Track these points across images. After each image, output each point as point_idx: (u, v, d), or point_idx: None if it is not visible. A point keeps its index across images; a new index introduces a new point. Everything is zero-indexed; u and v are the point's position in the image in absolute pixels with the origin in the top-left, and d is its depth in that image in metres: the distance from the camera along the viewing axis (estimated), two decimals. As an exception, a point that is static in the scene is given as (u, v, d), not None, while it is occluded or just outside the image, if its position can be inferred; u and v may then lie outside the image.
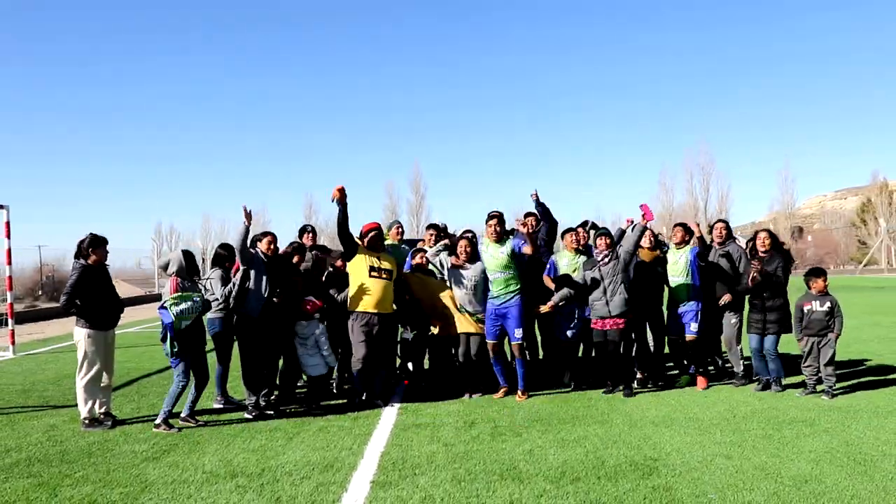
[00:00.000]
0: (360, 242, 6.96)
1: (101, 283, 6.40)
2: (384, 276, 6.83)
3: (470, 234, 7.58)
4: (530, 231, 7.31)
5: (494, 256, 7.02)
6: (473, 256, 7.29)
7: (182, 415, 6.32)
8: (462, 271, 7.25)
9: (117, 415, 6.73)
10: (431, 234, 8.11)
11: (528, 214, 8.14)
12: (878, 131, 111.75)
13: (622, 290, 7.05)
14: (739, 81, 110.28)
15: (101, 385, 6.44)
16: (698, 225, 7.70)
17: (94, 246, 6.38)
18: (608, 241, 7.19)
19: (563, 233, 7.96)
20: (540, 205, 7.77)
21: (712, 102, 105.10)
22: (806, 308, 6.91)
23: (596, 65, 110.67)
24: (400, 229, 8.40)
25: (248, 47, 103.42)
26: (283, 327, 6.86)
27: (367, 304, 6.75)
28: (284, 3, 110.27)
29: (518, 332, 7.01)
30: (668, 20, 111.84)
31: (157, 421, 6.19)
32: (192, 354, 6.40)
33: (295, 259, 7.13)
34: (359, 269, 6.81)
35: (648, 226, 7.37)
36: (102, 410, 6.45)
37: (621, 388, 7.22)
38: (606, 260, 7.12)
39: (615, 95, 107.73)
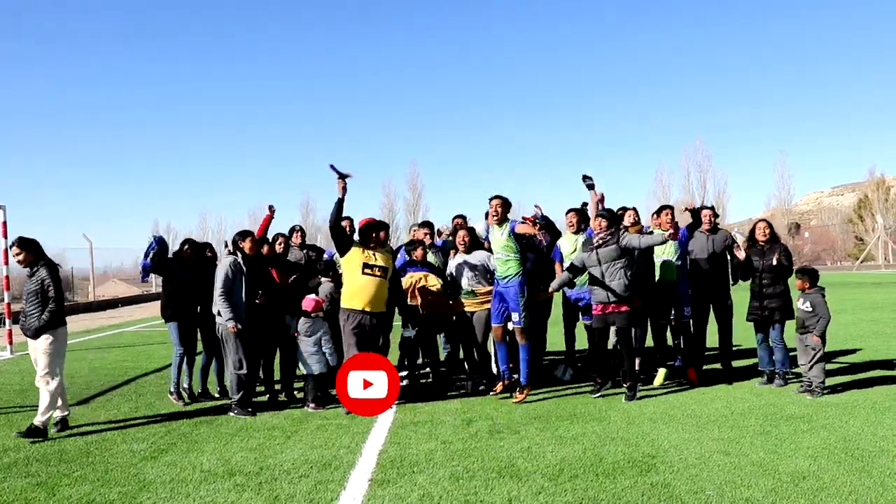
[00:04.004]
0: (358, 238, 6.87)
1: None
2: (378, 273, 6.65)
3: (461, 222, 7.81)
4: (533, 218, 7.34)
5: (496, 239, 7.01)
6: (473, 245, 7.39)
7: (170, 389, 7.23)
8: (466, 260, 7.33)
9: (116, 413, 6.80)
10: (426, 233, 8.13)
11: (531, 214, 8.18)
12: (875, 127, 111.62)
13: (622, 274, 6.70)
14: (736, 78, 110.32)
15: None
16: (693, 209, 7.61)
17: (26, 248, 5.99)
18: (606, 223, 6.79)
19: (566, 213, 8.04)
20: (543, 218, 7.71)
21: (709, 100, 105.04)
22: (796, 303, 6.98)
23: (592, 62, 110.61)
24: (428, 233, 8.15)
25: (245, 47, 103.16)
26: (271, 326, 6.91)
27: (358, 303, 6.59)
28: (282, 3, 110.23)
29: (515, 316, 6.89)
30: (664, 17, 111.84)
31: (171, 389, 7.24)
32: (185, 320, 7.15)
33: (265, 249, 7.14)
34: (352, 265, 6.65)
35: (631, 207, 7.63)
36: (62, 416, 6.16)
37: (625, 386, 6.85)
38: (602, 243, 6.77)
39: (612, 93, 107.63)
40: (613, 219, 6.98)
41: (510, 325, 7.04)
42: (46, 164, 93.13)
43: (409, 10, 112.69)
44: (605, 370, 7.12)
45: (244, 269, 6.65)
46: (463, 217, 8.17)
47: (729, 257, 7.73)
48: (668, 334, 7.82)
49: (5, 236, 12.01)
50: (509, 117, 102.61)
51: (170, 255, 7.39)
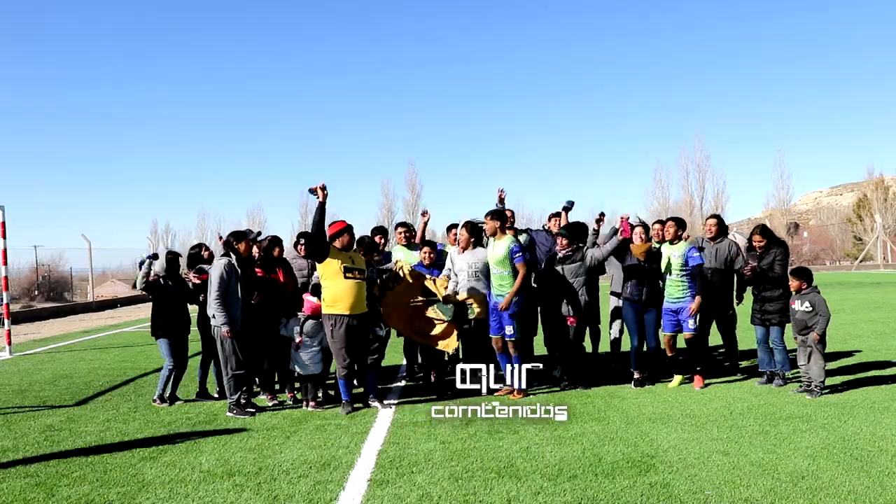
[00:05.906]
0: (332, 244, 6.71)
1: None
2: (358, 275, 6.62)
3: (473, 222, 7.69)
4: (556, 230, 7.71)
5: (493, 252, 7.07)
6: (477, 243, 7.34)
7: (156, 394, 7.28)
8: (463, 258, 7.31)
9: (115, 413, 6.78)
10: (401, 233, 8.11)
11: (553, 215, 8.21)
12: (874, 127, 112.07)
13: (583, 291, 7.14)
14: (734, 77, 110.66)
15: None
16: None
17: None
18: (567, 241, 7.22)
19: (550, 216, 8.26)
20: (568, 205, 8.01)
21: (707, 99, 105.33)
22: (791, 306, 6.97)
23: (591, 62, 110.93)
24: (406, 233, 8.16)
25: (243, 47, 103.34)
26: (268, 326, 6.93)
27: (344, 307, 6.51)
28: (282, 3, 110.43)
29: (509, 329, 7.02)
30: (663, 16, 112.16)
31: (155, 397, 7.30)
32: (176, 337, 7.18)
33: (276, 252, 7.14)
34: (332, 270, 6.55)
35: (641, 222, 7.63)
36: None
37: (576, 383, 7.30)
38: (566, 258, 7.21)
39: (610, 92, 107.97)
40: (575, 235, 7.32)
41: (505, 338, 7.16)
42: (43, 165, 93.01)
43: (409, 10, 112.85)
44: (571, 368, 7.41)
45: (238, 270, 6.63)
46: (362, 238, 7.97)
47: (736, 268, 7.68)
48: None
49: (4, 237, 12.00)
50: (509, 117, 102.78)
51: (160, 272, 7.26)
